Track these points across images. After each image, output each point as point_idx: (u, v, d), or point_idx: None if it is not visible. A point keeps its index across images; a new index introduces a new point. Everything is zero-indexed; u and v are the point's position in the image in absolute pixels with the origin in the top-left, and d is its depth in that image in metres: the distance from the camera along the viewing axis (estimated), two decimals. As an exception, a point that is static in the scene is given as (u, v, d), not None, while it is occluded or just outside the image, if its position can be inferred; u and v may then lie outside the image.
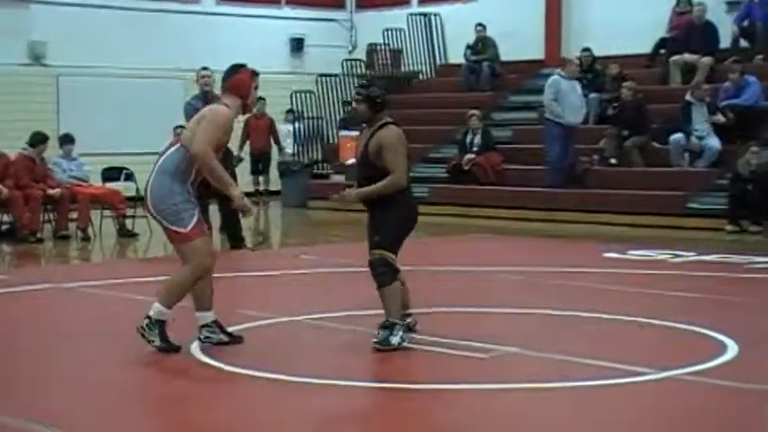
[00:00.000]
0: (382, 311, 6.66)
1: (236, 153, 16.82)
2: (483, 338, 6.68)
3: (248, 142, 18.28)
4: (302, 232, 15.39)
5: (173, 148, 6.45)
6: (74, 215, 13.11)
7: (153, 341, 6.36)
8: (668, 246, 11.91)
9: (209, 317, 6.58)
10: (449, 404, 5.46)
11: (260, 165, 18.77)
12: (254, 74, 6.70)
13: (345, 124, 19.53)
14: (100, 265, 11.60)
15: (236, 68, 6.68)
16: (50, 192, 12.85)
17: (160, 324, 6.39)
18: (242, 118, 11.09)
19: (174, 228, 6.35)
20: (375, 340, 6.46)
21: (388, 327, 6.50)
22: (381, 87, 6.90)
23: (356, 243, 13.45)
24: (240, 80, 6.57)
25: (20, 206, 12.57)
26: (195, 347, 6.47)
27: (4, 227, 13.00)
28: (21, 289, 8.89)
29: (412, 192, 6.89)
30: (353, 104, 7.12)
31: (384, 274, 6.58)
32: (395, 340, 6.42)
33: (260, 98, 18.29)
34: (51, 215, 13.10)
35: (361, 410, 5.39)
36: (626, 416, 5.26)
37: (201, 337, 6.57)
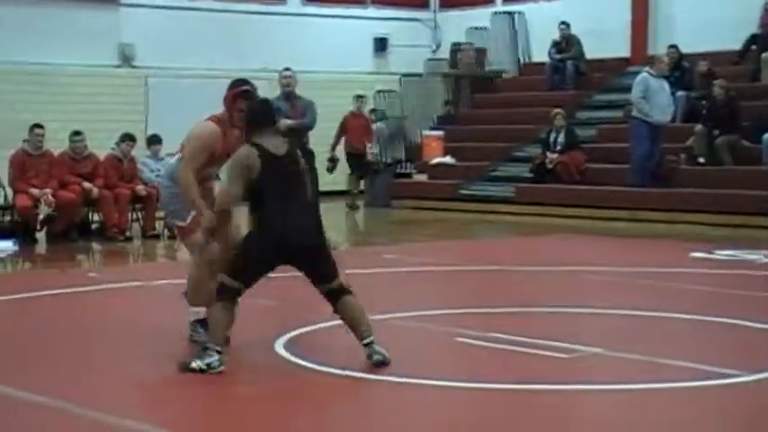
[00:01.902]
0: (467, 310, 6.64)
1: (329, 153, 16.89)
2: (567, 339, 6.61)
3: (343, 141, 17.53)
4: (385, 231, 15.41)
5: (175, 158, 6.75)
6: (161, 214, 13.30)
7: (201, 339, 6.29)
8: (757, 246, 11.65)
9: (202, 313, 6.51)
10: (528, 404, 5.42)
11: (357, 165, 17.83)
12: (243, 94, 6.56)
13: (443, 123, 19.52)
14: (186, 263, 11.74)
15: (232, 84, 6.72)
16: (138, 191, 13.08)
17: (202, 322, 6.44)
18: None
19: (178, 223, 6.64)
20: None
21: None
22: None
23: (439, 242, 13.46)
24: (227, 97, 6.64)
25: (109, 205, 12.81)
26: (280, 345, 6.51)
27: (93, 226, 13.25)
28: (109, 287, 9.05)
29: (287, 222, 5.96)
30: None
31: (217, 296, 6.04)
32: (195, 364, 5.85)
33: (359, 96, 18.34)
34: (139, 214, 13.31)
35: (440, 409, 5.37)
36: (712, 419, 5.16)
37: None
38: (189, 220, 6.53)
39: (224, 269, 6.02)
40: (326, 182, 16.55)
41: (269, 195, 5.94)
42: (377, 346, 5.97)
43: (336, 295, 6.09)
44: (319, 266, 6.09)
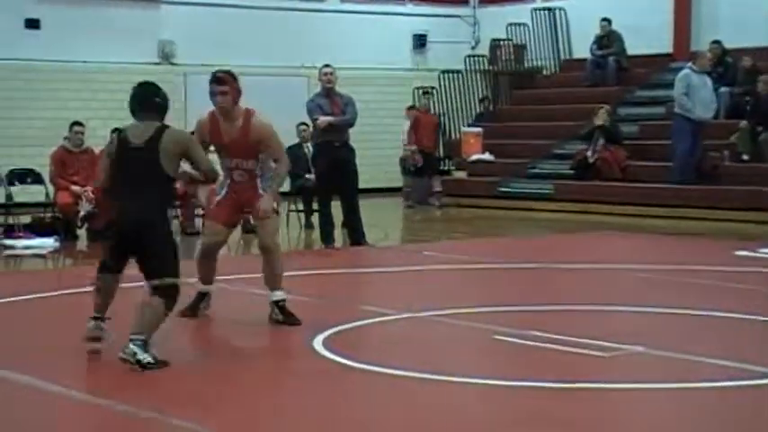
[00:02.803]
0: (506, 308, 6.60)
1: (406, 151, 16.76)
2: (607, 337, 6.54)
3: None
4: (425, 228, 15.37)
5: None
6: (201, 211, 13.33)
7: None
8: (803, 244, 11.48)
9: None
10: (567, 403, 5.35)
11: (427, 163, 17.34)
12: (210, 80, 7.18)
13: (481, 120, 19.45)
14: (224, 259, 11.75)
15: None
16: (177, 188, 13.09)
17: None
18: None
19: None
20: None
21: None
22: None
23: (478, 239, 13.39)
24: None
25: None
26: (319, 343, 6.49)
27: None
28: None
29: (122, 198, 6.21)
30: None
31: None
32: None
33: (426, 92, 18.21)
34: (178, 211, 13.36)
35: (481, 407, 5.32)
36: (753, 419, 5.07)
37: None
38: (211, 206, 6.99)
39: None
40: (372, 179, 16.55)
41: (116, 182, 6.23)
42: (136, 356, 5.82)
43: (153, 293, 6.07)
44: (146, 259, 6.12)
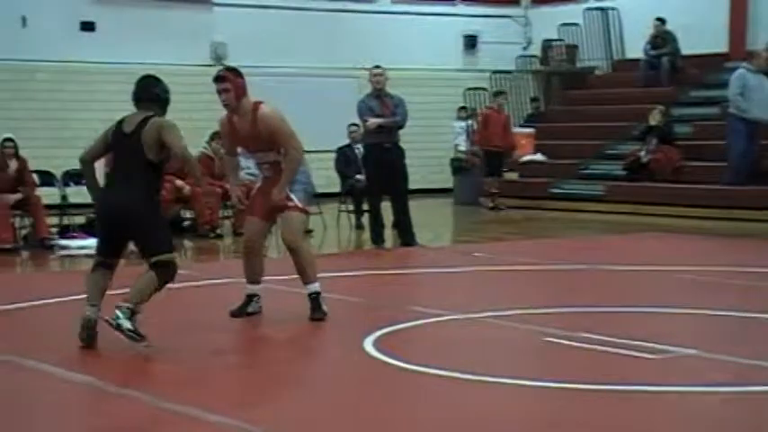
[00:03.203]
0: (556, 310, 6.55)
1: (468, 151, 16.56)
2: (659, 339, 6.48)
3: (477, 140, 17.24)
4: (475, 229, 15.33)
5: None
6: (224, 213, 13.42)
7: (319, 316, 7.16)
8: None
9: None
10: (618, 405, 5.31)
11: (497, 164, 17.08)
12: (213, 79, 7.30)
13: (531, 121, 19.36)
14: (276, 260, 11.83)
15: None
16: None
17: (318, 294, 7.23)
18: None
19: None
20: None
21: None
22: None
23: (529, 240, 13.33)
24: None
25: (200, 203, 12.98)
26: (369, 344, 6.50)
27: (185, 223, 13.44)
28: (202, 283, 9.15)
29: (106, 194, 6.70)
30: (222, 95, 7.19)
31: None
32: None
33: (500, 92, 18.13)
34: (230, 211, 13.45)
35: (529, 409, 5.29)
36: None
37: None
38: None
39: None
40: (422, 180, 16.57)
41: (113, 168, 6.67)
42: (118, 320, 6.24)
43: (150, 269, 6.43)
44: (139, 241, 6.49)
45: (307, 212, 7.37)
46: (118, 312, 6.25)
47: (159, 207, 6.84)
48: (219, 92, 7.16)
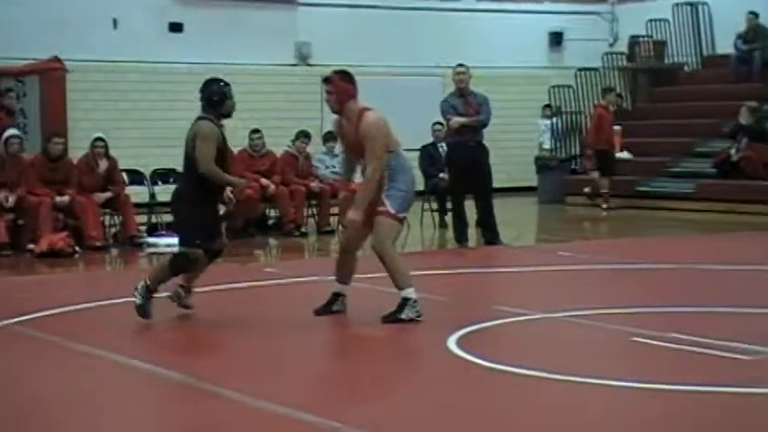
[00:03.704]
0: (644, 310, 6.41)
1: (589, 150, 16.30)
2: (751, 340, 6.32)
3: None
4: (559, 228, 15.17)
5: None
6: (336, 210, 13.47)
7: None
8: None
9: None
10: (708, 407, 5.19)
11: (608, 163, 16.63)
12: (322, 81, 7.40)
13: (617, 117, 19.08)
14: (360, 258, 11.83)
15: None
16: (313, 188, 13.28)
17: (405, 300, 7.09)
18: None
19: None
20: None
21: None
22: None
23: (615, 239, 13.14)
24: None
25: (285, 201, 13.07)
26: (453, 342, 6.47)
27: (270, 221, 13.55)
28: (287, 281, 9.21)
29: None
30: (327, 96, 7.25)
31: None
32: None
33: (610, 89, 17.85)
34: (314, 210, 13.52)
35: (616, 409, 5.20)
36: None
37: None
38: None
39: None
40: (507, 179, 16.43)
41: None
42: (138, 284, 7.17)
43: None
44: (173, 230, 7.93)
45: (399, 220, 7.17)
46: (138, 286, 7.17)
47: (200, 204, 7.21)
48: (326, 93, 7.21)
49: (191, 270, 7.31)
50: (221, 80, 7.57)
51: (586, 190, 16.84)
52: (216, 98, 7.32)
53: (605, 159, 16.65)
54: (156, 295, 7.26)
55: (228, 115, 7.58)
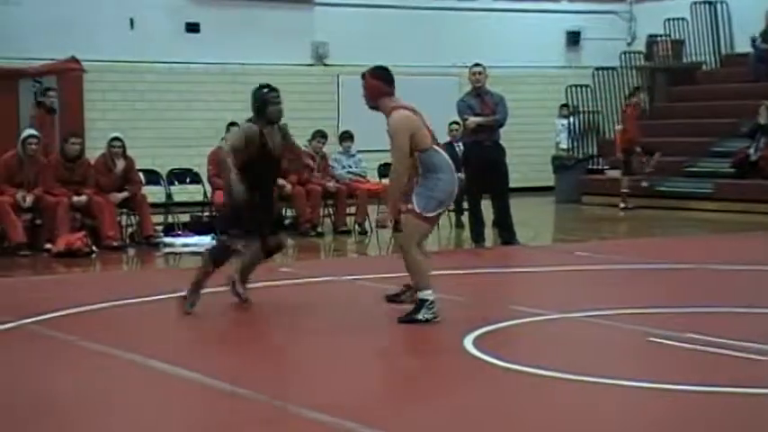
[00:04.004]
0: (660, 310, 6.38)
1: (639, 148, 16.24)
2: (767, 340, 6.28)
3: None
4: (576, 228, 15.13)
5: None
6: (352, 210, 13.48)
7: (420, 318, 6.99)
8: None
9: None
10: (724, 407, 5.15)
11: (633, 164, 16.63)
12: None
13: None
14: (376, 258, 11.87)
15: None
16: (329, 187, 13.28)
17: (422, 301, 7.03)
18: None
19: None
20: None
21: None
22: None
23: (632, 239, 13.09)
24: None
25: (302, 201, 13.07)
26: (469, 341, 6.45)
27: (286, 221, 13.53)
28: (303, 281, 9.21)
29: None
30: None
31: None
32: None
33: (637, 88, 17.76)
34: (331, 210, 13.52)
35: (633, 410, 5.18)
36: None
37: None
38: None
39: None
40: (523, 178, 16.38)
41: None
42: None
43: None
44: None
45: (426, 219, 7.06)
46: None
47: (248, 202, 7.35)
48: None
49: (227, 259, 7.61)
50: (267, 85, 7.73)
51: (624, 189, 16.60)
52: (257, 105, 7.58)
53: (632, 159, 16.58)
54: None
55: (273, 121, 7.73)
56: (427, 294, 7.04)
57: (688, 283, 9.17)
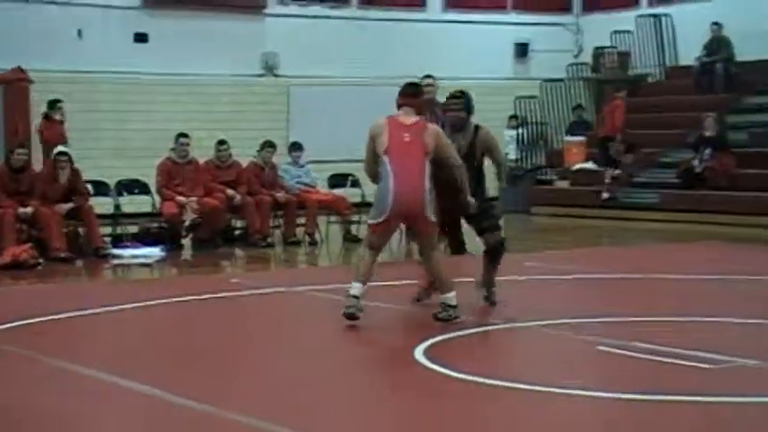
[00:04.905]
0: (609, 319, 6.46)
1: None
2: (714, 349, 6.36)
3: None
4: (525, 238, 15.22)
5: (426, 160, 7.30)
6: (302, 220, 13.46)
7: (457, 317, 7.28)
8: None
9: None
10: (672, 416, 5.22)
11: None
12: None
13: (574, 129, 19.23)
14: (326, 269, 11.86)
15: (419, 89, 7.70)
16: (279, 198, 13.26)
17: (454, 307, 7.32)
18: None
19: (432, 219, 7.32)
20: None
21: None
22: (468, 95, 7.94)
23: (580, 249, 13.21)
24: (420, 101, 7.55)
25: (251, 212, 13.03)
26: (420, 351, 6.47)
27: (236, 232, 13.50)
28: (252, 292, 9.17)
29: None
30: (450, 113, 7.93)
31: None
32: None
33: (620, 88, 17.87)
34: (280, 221, 13.49)
35: (578, 420, 5.22)
36: None
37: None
38: (434, 216, 7.30)
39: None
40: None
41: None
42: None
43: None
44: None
45: (371, 226, 7.42)
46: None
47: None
48: None
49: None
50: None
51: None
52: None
53: (605, 146, 16.91)
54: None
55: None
56: (351, 289, 7.32)
57: (635, 293, 9.28)
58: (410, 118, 7.38)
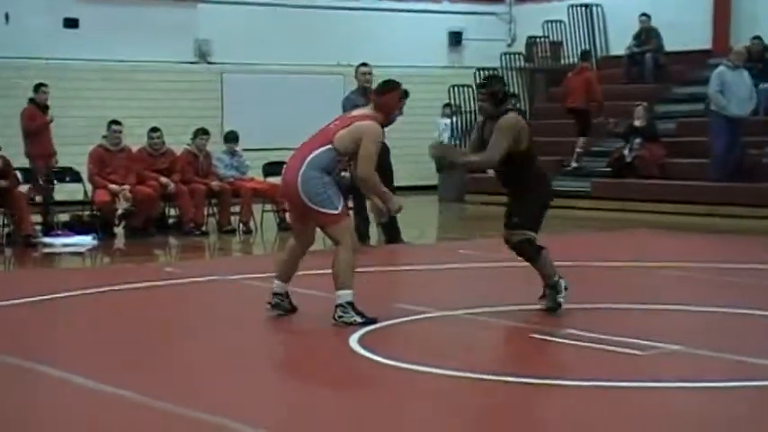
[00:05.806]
0: (538, 306, 6.56)
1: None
2: (644, 335, 6.49)
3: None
4: (459, 226, 15.34)
5: (324, 148, 7.02)
6: (236, 209, 13.40)
7: (353, 321, 6.90)
8: None
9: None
10: (602, 401, 5.31)
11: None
12: (405, 95, 7.36)
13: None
14: (261, 257, 11.82)
15: (390, 88, 7.28)
16: (213, 186, 13.17)
17: (351, 305, 6.96)
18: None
19: (327, 211, 7.00)
20: (548, 305, 7.32)
21: (553, 286, 7.34)
22: (501, 82, 7.62)
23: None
24: (391, 99, 7.24)
25: (185, 200, 12.93)
26: (354, 340, 6.49)
27: (170, 220, 13.39)
28: (186, 281, 9.12)
29: (548, 178, 7.96)
30: (479, 102, 7.71)
31: (530, 251, 7.43)
32: (561, 298, 7.29)
33: (587, 51, 18.01)
34: (215, 209, 13.41)
35: (509, 406, 5.29)
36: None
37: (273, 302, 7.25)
38: (340, 208, 7.03)
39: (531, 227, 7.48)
40: (408, 177, 16.47)
41: (533, 158, 7.48)
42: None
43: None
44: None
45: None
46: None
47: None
48: None
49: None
50: None
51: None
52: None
53: (588, 120, 16.99)
54: None
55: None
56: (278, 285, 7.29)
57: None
58: (362, 111, 7.27)
